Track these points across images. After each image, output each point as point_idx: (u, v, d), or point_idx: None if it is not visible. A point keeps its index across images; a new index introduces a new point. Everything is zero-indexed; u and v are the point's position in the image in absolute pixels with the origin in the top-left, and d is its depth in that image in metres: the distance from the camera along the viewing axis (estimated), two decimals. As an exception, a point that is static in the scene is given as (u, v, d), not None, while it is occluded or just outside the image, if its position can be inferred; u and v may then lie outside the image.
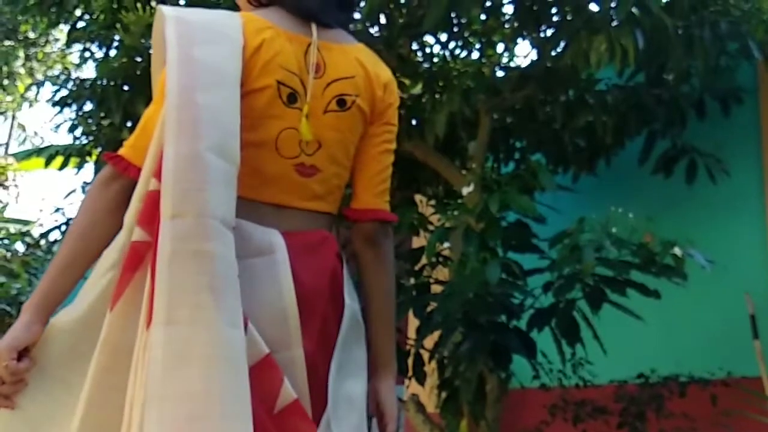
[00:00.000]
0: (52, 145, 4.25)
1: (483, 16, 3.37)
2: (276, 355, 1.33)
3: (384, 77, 1.60)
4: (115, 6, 3.22)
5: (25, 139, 12.56)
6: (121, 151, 1.46)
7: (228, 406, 1.20)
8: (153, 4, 3.02)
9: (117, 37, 3.27)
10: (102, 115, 3.50)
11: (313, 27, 1.53)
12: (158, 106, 1.41)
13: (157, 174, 1.33)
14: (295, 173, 1.48)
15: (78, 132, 3.77)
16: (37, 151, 4.53)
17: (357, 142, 1.58)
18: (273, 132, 1.46)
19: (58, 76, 3.82)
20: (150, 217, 1.32)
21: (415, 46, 3.59)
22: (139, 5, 2.93)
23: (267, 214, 1.45)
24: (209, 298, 1.23)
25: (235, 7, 1.67)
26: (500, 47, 3.70)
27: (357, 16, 3.27)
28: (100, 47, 3.56)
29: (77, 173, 3.94)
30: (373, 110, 1.58)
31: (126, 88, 3.34)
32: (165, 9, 1.45)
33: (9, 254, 7.22)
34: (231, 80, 1.39)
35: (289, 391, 1.32)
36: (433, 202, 3.85)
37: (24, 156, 6.83)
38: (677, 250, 2.56)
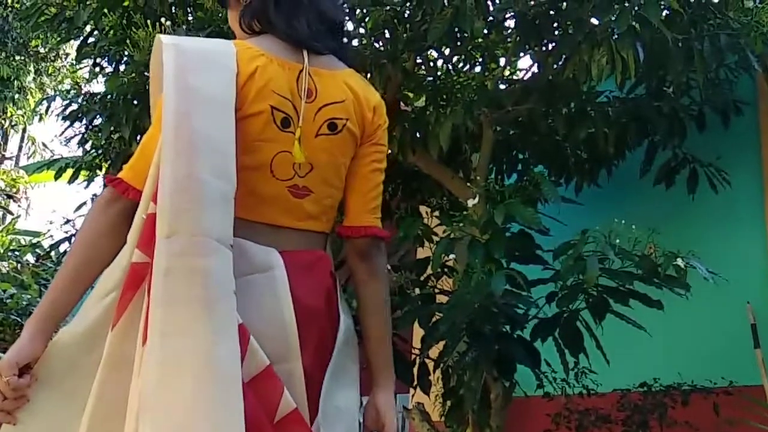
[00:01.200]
0: (62, 158, 4.31)
1: (485, 31, 3.42)
2: (276, 367, 1.38)
3: (373, 100, 1.68)
4: (124, 22, 3.27)
5: (34, 152, 12.65)
6: (121, 174, 1.53)
7: (219, 415, 1.25)
8: (163, 20, 3.07)
9: (126, 53, 3.33)
10: (112, 129, 3.56)
11: (305, 53, 1.59)
12: (156, 131, 1.47)
13: (156, 198, 1.38)
14: (289, 194, 1.54)
15: (88, 145, 3.83)
16: (48, 164, 4.59)
17: (348, 163, 1.64)
18: (268, 155, 1.52)
19: (68, 91, 3.88)
20: (149, 239, 1.38)
21: (419, 60, 3.63)
22: (149, 22, 2.98)
23: (264, 233, 1.51)
24: (202, 312, 1.28)
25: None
26: (502, 61, 3.75)
27: (354, 40, 3.34)
28: (110, 62, 3.61)
29: (87, 186, 3.99)
30: (363, 132, 1.65)
31: (135, 102, 3.40)
32: (164, 38, 1.52)
33: (19, 265, 7.27)
34: (226, 106, 1.45)
35: (288, 400, 1.37)
36: (437, 213, 3.89)
37: (34, 169, 6.91)
38: (680, 261, 2.59)
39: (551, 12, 3.16)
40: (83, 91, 3.83)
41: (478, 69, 3.82)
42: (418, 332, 3.13)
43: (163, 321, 1.28)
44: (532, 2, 3.19)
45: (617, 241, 2.66)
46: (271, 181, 1.53)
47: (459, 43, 3.45)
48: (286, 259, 1.50)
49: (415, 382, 3.13)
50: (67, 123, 3.72)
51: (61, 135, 3.89)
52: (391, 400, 1.68)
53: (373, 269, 1.67)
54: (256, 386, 1.32)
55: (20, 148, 13.02)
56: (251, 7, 1.65)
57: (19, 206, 10.36)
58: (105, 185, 1.56)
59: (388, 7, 3.16)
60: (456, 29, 3.14)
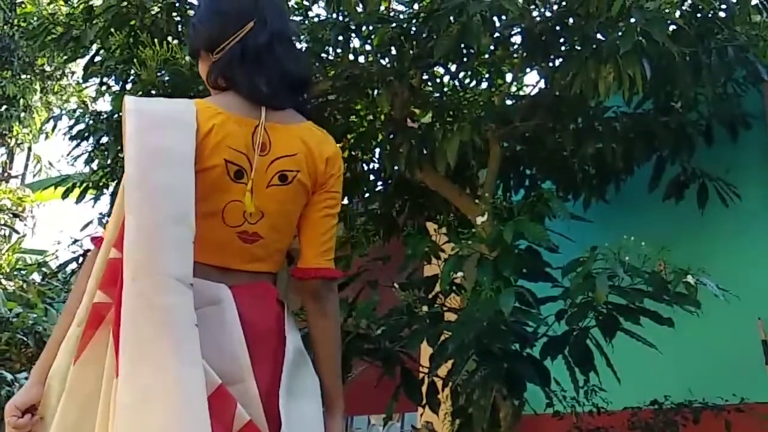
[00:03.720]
0: (69, 177, 4.31)
1: (492, 47, 3.42)
2: (231, 387, 1.52)
3: (327, 152, 1.79)
4: (131, 41, 3.29)
5: (40, 170, 12.68)
6: (103, 233, 1.70)
7: None
8: (170, 39, 3.07)
9: (133, 72, 3.33)
10: (119, 148, 3.56)
11: (263, 110, 1.72)
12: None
13: (117, 244, 1.57)
14: (239, 240, 1.69)
15: (95, 164, 3.83)
16: (56, 183, 4.59)
17: (300, 211, 1.77)
18: (220, 204, 1.66)
19: (75, 110, 3.88)
20: (111, 282, 1.55)
21: (425, 77, 3.63)
22: (155, 41, 2.99)
23: (214, 274, 1.66)
24: (167, 344, 1.43)
25: None
26: (509, 77, 3.75)
27: (361, 57, 3.34)
28: (116, 81, 3.62)
29: (94, 205, 3.99)
30: (315, 182, 1.76)
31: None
32: (127, 101, 1.67)
33: (25, 284, 7.28)
34: (185, 159, 1.59)
35: (242, 413, 1.51)
36: (444, 229, 3.87)
37: (40, 186, 6.92)
38: (690, 279, 2.57)
39: (557, 28, 3.16)
40: (90, 110, 3.84)
41: (484, 85, 3.82)
42: (426, 350, 3.11)
43: (133, 358, 1.43)
44: (539, 18, 3.19)
45: (627, 258, 2.64)
46: (222, 227, 1.67)
47: (465, 60, 3.45)
48: (236, 291, 1.65)
49: (424, 401, 3.11)
50: (75, 142, 3.72)
51: (68, 154, 3.89)
52: (339, 425, 1.82)
53: (323, 309, 1.79)
54: (211, 404, 1.45)
55: (26, 166, 13.08)
56: (217, 65, 1.77)
57: (25, 225, 10.38)
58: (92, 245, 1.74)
59: (394, 24, 3.17)
60: (462, 45, 3.15)
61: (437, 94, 3.69)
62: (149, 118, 1.64)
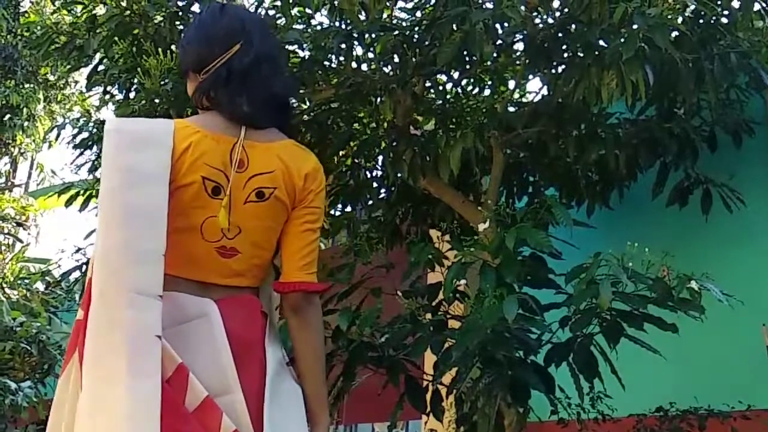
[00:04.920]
0: (72, 185, 4.31)
1: (494, 54, 3.42)
2: (218, 399, 1.57)
3: (305, 168, 1.83)
4: (135, 50, 3.29)
5: (43, 179, 12.70)
6: None
7: None
8: (173, 48, 3.07)
9: (137, 80, 3.33)
10: (122, 156, 3.56)
11: (243, 128, 1.77)
12: None
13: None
14: (217, 254, 1.74)
15: (98, 173, 3.83)
16: (59, 191, 4.59)
17: (281, 227, 1.82)
18: (198, 220, 1.72)
19: (78, 119, 3.88)
20: (88, 299, 1.62)
21: (428, 84, 3.64)
22: (159, 50, 2.99)
23: (195, 289, 1.72)
24: (121, 357, 1.50)
25: None
26: (512, 84, 3.75)
27: (363, 65, 3.35)
28: (120, 90, 3.62)
29: (97, 214, 3.98)
30: (294, 198, 1.81)
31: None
32: (108, 121, 1.78)
33: (29, 293, 7.29)
34: (159, 178, 1.66)
35: (228, 423, 1.56)
36: (448, 237, 3.87)
37: (43, 195, 6.93)
38: (694, 284, 2.56)
39: (560, 35, 3.16)
40: (93, 119, 3.84)
41: (487, 92, 3.83)
42: (430, 358, 3.11)
43: (90, 369, 1.51)
44: (541, 25, 3.19)
45: (630, 264, 2.63)
46: (200, 242, 1.73)
47: (468, 67, 3.45)
48: (221, 305, 1.69)
49: (428, 409, 3.10)
50: (78, 151, 3.72)
51: (71, 163, 3.90)
52: None
53: (304, 322, 1.82)
54: (198, 415, 1.53)
55: (29, 175, 13.10)
56: (202, 85, 1.82)
57: (28, 234, 10.39)
58: None
59: (397, 32, 3.17)
60: (465, 53, 3.15)
61: (440, 102, 3.69)
62: (126, 138, 1.71)
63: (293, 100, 2.17)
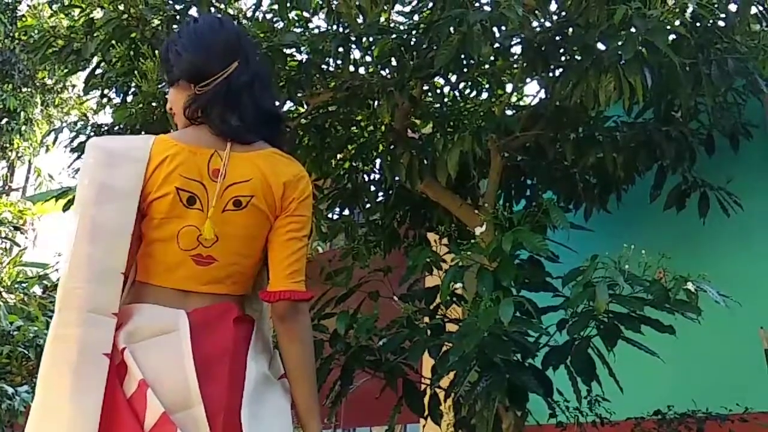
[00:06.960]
0: (70, 189, 4.30)
1: (492, 57, 3.42)
2: (179, 414, 1.58)
3: (284, 176, 1.83)
4: (132, 53, 3.28)
5: (41, 183, 12.68)
6: None
7: None
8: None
9: (134, 84, 3.33)
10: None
11: (229, 142, 1.79)
12: None
13: None
14: (193, 263, 1.75)
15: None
16: (57, 195, 4.58)
17: (266, 233, 1.82)
18: (174, 229, 1.74)
19: (75, 123, 3.87)
20: None
21: (425, 88, 3.64)
22: (156, 53, 2.99)
23: (173, 297, 1.74)
24: (66, 372, 1.55)
25: None
26: (509, 87, 3.75)
27: (361, 69, 3.35)
28: (117, 93, 3.62)
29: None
30: (275, 207, 1.81)
31: (143, 133, 3.39)
32: (92, 139, 1.80)
33: (26, 297, 7.27)
34: (129, 195, 1.70)
35: None
36: (445, 240, 3.87)
37: (40, 199, 6.91)
38: (690, 286, 2.56)
39: (558, 38, 3.16)
40: (91, 123, 3.83)
41: (485, 95, 3.83)
42: (428, 362, 3.11)
43: (40, 384, 1.58)
44: (539, 28, 3.20)
45: (627, 266, 2.64)
46: (176, 251, 1.74)
47: (466, 70, 3.46)
48: (192, 318, 1.70)
49: (427, 412, 3.10)
50: (76, 155, 3.71)
51: (69, 167, 3.89)
52: None
53: (291, 331, 1.82)
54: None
55: (27, 179, 13.09)
56: (199, 99, 1.81)
57: (26, 238, 10.38)
58: None
59: (394, 35, 3.17)
60: (463, 56, 3.15)
61: (438, 105, 3.69)
62: (103, 154, 1.74)
63: (283, 112, 2.21)
